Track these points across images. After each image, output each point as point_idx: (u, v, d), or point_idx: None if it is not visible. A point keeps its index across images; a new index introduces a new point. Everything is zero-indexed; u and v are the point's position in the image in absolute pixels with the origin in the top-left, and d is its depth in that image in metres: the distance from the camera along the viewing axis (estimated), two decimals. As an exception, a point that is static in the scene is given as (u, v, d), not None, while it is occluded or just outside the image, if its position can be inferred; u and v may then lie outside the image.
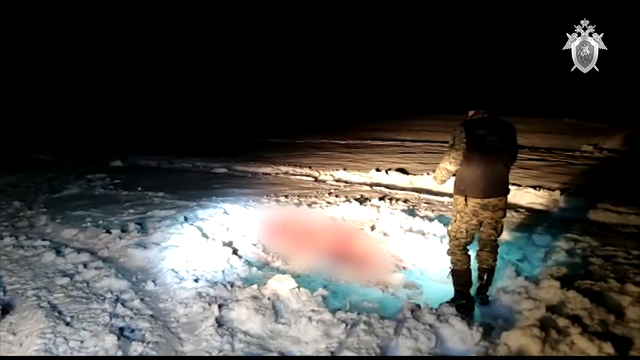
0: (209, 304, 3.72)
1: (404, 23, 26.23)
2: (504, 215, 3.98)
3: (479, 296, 4.03)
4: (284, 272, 4.44)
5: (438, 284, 4.50)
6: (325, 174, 8.83)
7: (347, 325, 3.24)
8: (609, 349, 3.01)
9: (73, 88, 22.77)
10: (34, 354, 3.08)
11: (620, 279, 3.98)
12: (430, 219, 5.73)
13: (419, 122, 15.13)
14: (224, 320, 3.54)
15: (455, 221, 3.94)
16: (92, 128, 16.93)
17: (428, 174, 7.97)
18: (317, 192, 7.38)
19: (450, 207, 4.98)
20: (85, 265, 4.59)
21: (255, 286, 3.90)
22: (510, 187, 7.07)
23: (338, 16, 26.95)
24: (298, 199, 6.88)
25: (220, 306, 3.68)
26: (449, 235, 4.02)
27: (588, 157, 9.70)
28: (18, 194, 7.94)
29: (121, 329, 3.41)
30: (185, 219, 5.93)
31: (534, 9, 21.23)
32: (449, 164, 3.82)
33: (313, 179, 8.53)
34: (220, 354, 3.17)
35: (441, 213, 6.11)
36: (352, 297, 4.08)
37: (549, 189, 7.03)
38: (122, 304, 3.80)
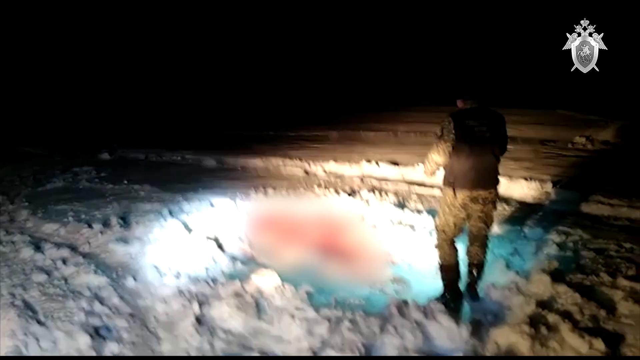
0: (190, 301, 3.60)
1: (399, 14, 26.05)
2: (495, 208, 3.88)
3: (468, 292, 3.93)
4: (269, 267, 4.33)
5: (427, 278, 4.40)
6: (316, 166, 8.69)
7: (331, 322, 3.13)
8: (599, 345, 2.91)
9: (64, 81, 22.44)
10: (3, 355, 2.96)
11: (612, 273, 3.89)
12: (420, 212, 5.63)
13: (412, 113, 15.03)
14: (204, 319, 3.43)
15: (442, 214, 3.83)
16: (82, 121, 16.68)
17: (419, 164, 7.85)
18: (306, 184, 7.25)
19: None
20: (64, 261, 4.45)
21: (238, 282, 3.78)
22: (502, 178, 7.05)
23: (331, 7, 26.71)
24: (287, 192, 6.75)
25: (201, 303, 3.56)
26: (437, 229, 3.91)
27: (580, 149, 9.65)
28: (1, 187, 7.76)
29: (97, 328, 3.28)
30: (170, 212, 5.79)
31: (528, 4, 21.11)
32: (437, 156, 3.71)
33: (303, 171, 8.40)
34: (199, 354, 3.06)
35: (431, 206, 6.00)
36: (338, 293, 3.97)
37: (540, 180, 6.95)
38: (100, 301, 3.66)
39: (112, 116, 17.85)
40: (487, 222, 3.87)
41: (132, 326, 3.37)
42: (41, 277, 4.10)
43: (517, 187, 6.83)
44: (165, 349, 3.17)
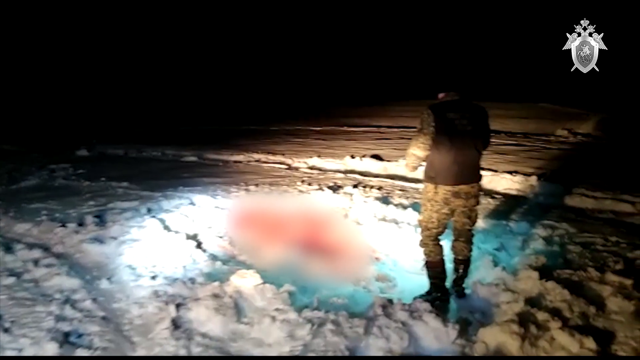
0: (166, 304, 3.44)
1: (384, 8, 25.93)
2: (478, 203, 3.77)
3: (455, 288, 3.84)
4: (250, 266, 4.19)
5: (412, 275, 4.30)
6: (299, 161, 8.56)
7: (313, 325, 2.99)
8: (590, 344, 2.83)
9: (43, 76, 21.88)
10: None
11: (600, 268, 3.82)
12: (404, 207, 5.52)
13: (394, 107, 14.96)
14: (181, 321, 3.27)
15: (425, 210, 3.72)
16: (61, 117, 16.27)
17: (403, 159, 7.77)
18: (289, 180, 7.11)
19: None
20: (36, 263, 4.24)
21: (216, 283, 3.63)
22: (487, 172, 7.03)
23: (315, 2, 26.48)
24: (269, 188, 6.60)
25: (177, 306, 3.40)
26: (420, 226, 3.80)
27: (563, 142, 9.68)
28: (-27, 186, 7.48)
29: (66, 334, 3.10)
30: (148, 210, 5.60)
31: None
32: (417, 150, 3.59)
33: (286, 167, 8.25)
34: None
35: (415, 201, 5.89)
36: (321, 292, 3.84)
37: (525, 174, 6.91)
38: (71, 305, 3.48)
39: (92, 112, 17.46)
40: (471, 217, 3.77)
41: (104, 331, 3.20)
42: (10, 280, 3.89)
43: (502, 180, 6.78)
44: (140, 355, 3.01)
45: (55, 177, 7.97)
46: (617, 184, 6.31)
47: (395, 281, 4.25)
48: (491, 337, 2.91)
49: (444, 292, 3.72)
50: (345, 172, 7.71)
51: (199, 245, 4.68)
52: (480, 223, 5.19)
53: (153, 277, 3.90)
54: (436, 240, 3.75)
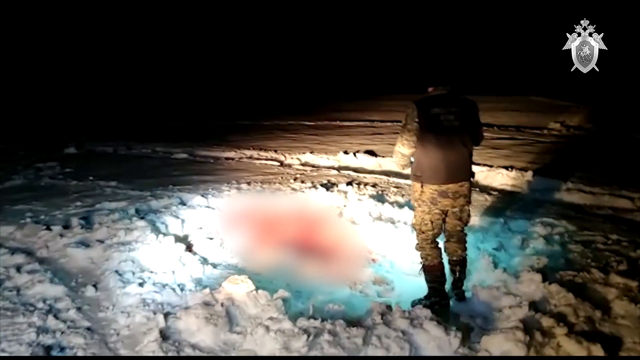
0: (154, 313, 3.28)
1: (372, 1, 25.69)
2: (468, 202, 3.64)
3: (454, 291, 3.71)
4: (242, 270, 4.05)
5: (410, 277, 4.18)
6: (292, 158, 8.41)
7: (309, 335, 2.84)
8: (598, 351, 2.73)
9: (32, 73, 21.47)
10: None
11: (603, 269, 3.72)
12: (400, 206, 5.39)
13: (387, 101, 14.81)
14: (170, 332, 3.11)
15: (417, 212, 3.60)
16: (50, 113, 15.94)
17: (391, 157, 7.64)
18: (281, 177, 6.95)
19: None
20: (18, 269, 4.05)
21: (207, 290, 3.47)
22: (482, 168, 6.91)
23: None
24: (261, 186, 6.44)
25: (166, 315, 3.24)
26: (414, 229, 3.67)
27: (556, 135, 9.62)
28: (-46, 187, 7.25)
29: (48, 348, 2.94)
30: (137, 211, 5.42)
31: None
32: (402, 147, 3.47)
33: (278, 164, 8.09)
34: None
35: (412, 198, 5.78)
36: (316, 297, 3.69)
37: (520, 169, 6.82)
38: (54, 315, 3.31)
39: (81, 108, 17.13)
40: (462, 217, 3.66)
41: (89, 343, 3.04)
42: (-10, 289, 3.73)
43: (498, 176, 6.67)
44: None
45: (41, 176, 7.75)
46: (614, 179, 6.23)
47: (393, 284, 4.12)
48: (495, 345, 2.79)
49: (443, 297, 3.59)
50: (339, 168, 7.57)
51: (189, 248, 4.53)
52: (478, 221, 5.09)
53: (141, 284, 3.73)
54: (433, 243, 3.62)
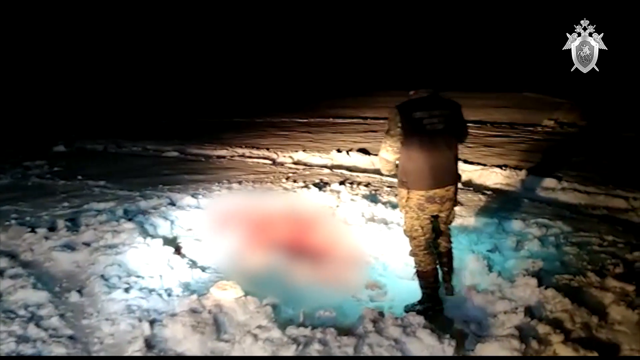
0: (140, 320, 3.18)
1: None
2: (455, 205, 3.62)
3: (444, 285, 3.70)
4: (231, 274, 3.94)
5: (403, 280, 4.09)
6: (284, 156, 8.32)
7: (298, 345, 2.75)
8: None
9: (22, 70, 21.18)
10: None
11: (599, 272, 3.66)
12: (394, 206, 5.30)
13: (380, 98, 14.67)
14: (155, 340, 3.01)
15: (406, 219, 3.54)
16: (40, 110, 15.73)
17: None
18: (273, 176, 6.86)
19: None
20: (1, 274, 3.94)
21: (194, 296, 3.38)
22: (475, 167, 6.84)
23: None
24: (252, 186, 6.34)
25: (152, 322, 3.14)
26: (406, 235, 3.60)
27: (550, 133, 9.54)
28: (-62, 187, 7.09)
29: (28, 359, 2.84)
30: (125, 212, 5.31)
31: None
32: (386, 153, 3.41)
33: (270, 162, 8.00)
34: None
35: (405, 198, 5.69)
36: (307, 303, 3.59)
37: (514, 167, 6.76)
38: (36, 323, 3.20)
39: (72, 105, 16.91)
40: (448, 219, 3.69)
41: (70, 353, 2.94)
42: (-30, 295, 3.61)
43: (491, 175, 6.62)
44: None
45: (29, 175, 7.62)
46: (609, 178, 6.18)
47: (386, 288, 4.03)
48: (490, 353, 2.72)
49: (437, 302, 3.52)
50: (332, 167, 7.48)
51: (177, 251, 4.42)
52: (472, 222, 5.02)
53: (127, 289, 3.62)
54: (426, 249, 3.55)
